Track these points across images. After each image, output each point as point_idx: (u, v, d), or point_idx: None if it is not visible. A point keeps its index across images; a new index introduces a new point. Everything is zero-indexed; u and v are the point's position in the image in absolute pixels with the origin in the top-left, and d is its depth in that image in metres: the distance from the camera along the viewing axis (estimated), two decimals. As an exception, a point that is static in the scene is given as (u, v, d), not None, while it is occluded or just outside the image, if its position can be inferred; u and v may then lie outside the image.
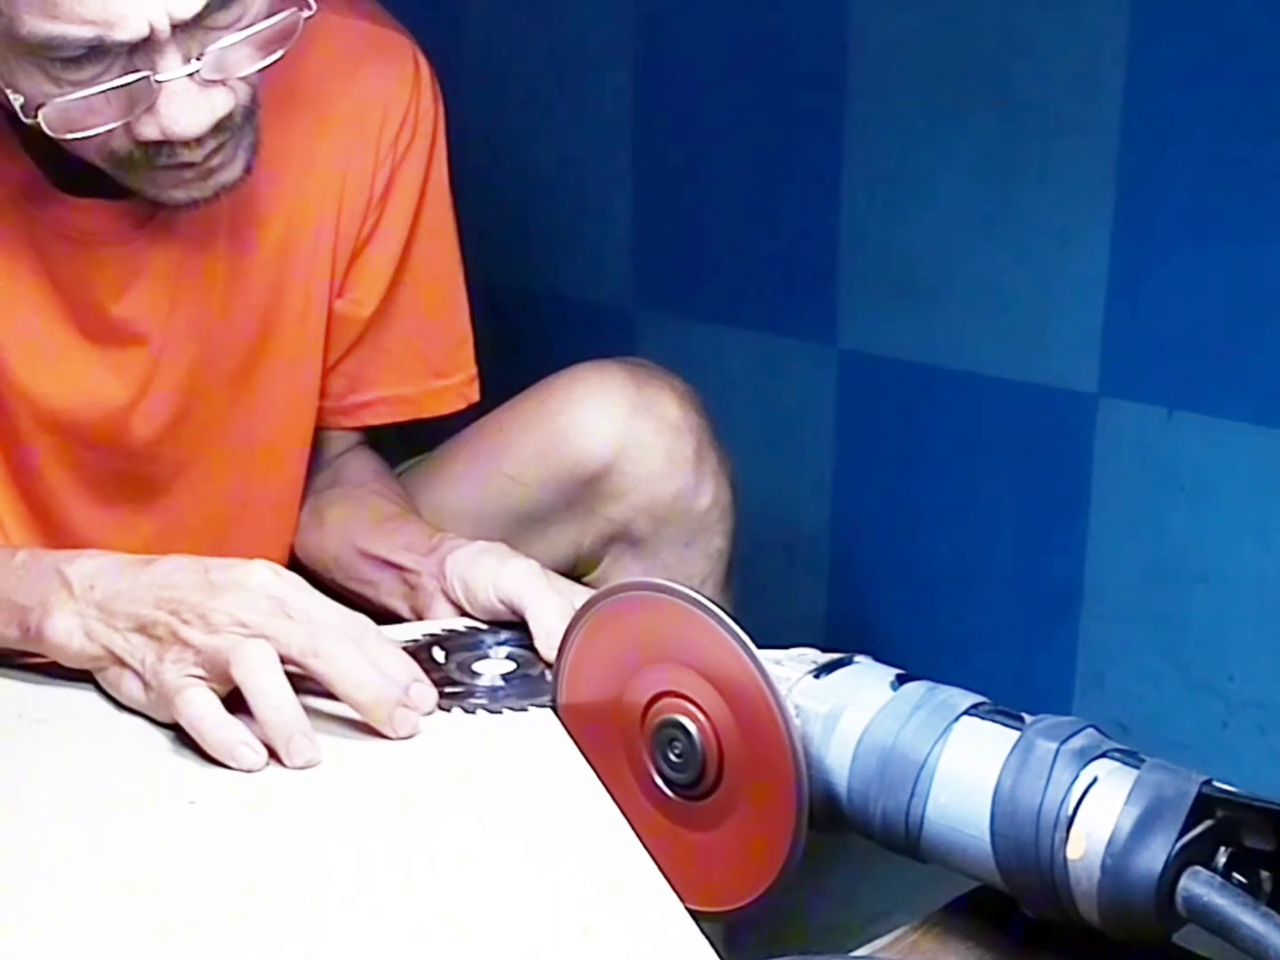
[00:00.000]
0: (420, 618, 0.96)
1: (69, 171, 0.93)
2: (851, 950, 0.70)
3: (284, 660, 0.75)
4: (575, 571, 1.10)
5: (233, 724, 0.75)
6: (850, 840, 0.71)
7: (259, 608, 0.77)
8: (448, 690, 0.82)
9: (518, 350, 1.53)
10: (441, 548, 0.96)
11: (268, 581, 0.79)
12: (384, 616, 0.97)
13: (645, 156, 1.67)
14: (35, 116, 0.83)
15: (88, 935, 0.62)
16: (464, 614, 0.93)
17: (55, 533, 1.03)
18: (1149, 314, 1.34)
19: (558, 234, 1.77)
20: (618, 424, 1.07)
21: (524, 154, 1.78)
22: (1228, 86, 1.26)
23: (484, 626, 0.91)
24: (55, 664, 0.82)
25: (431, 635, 0.90)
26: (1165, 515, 1.37)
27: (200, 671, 0.76)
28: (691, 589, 0.73)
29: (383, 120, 1.07)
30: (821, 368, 1.57)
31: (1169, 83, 1.29)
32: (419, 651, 0.86)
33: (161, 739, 0.77)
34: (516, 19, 1.75)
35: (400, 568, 0.99)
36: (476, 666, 0.86)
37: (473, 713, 0.80)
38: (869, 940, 0.72)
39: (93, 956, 0.61)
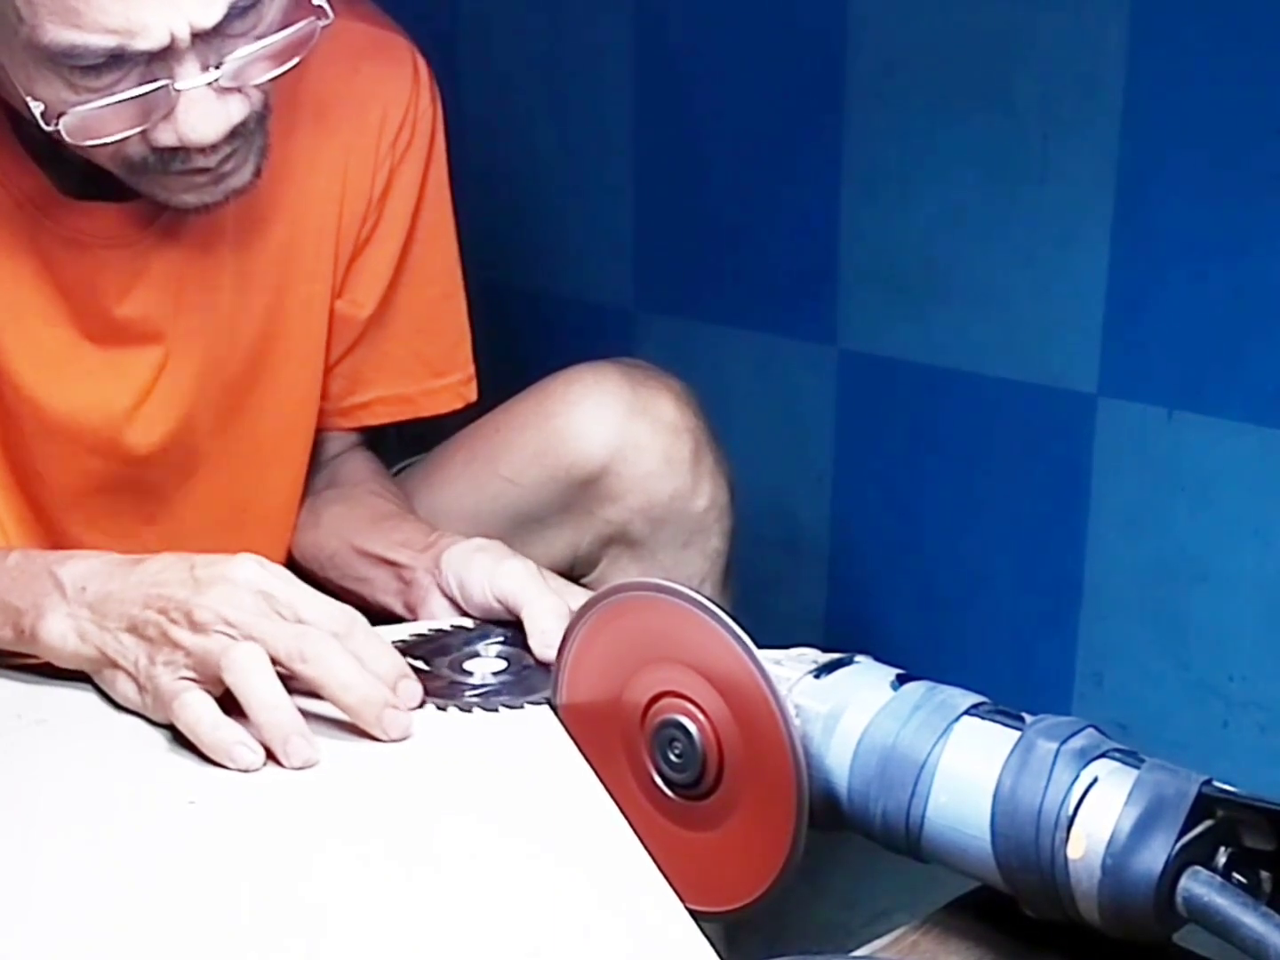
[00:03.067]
0: (414, 613, 0.96)
1: (72, 175, 0.93)
2: (851, 950, 0.70)
3: (272, 661, 0.75)
4: (573, 573, 1.10)
5: (229, 725, 0.74)
6: (850, 840, 0.71)
7: (244, 605, 0.77)
8: (441, 690, 0.82)
9: (517, 350, 1.53)
10: (438, 544, 0.96)
11: (253, 575, 0.78)
12: (378, 614, 0.97)
13: (645, 156, 1.67)
14: (55, 124, 0.83)
15: (88, 935, 0.62)
16: (459, 610, 0.93)
17: (57, 538, 1.03)
18: (1149, 314, 1.34)
19: (558, 234, 1.77)
20: (614, 425, 1.07)
21: (524, 154, 1.78)
22: (1228, 86, 1.26)
23: (471, 626, 0.91)
24: (51, 664, 0.82)
25: (420, 635, 0.89)
26: (1165, 515, 1.37)
27: (192, 674, 0.76)
28: (691, 589, 0.73)
29: (381, 121, 1.07)
30: (821, 368, 1.58)
31: (1169, 83, 1.29)
32: (409, 651, 0.86)
33: (160, 739, 0.77)
34: (516, 19, 1.75)
35: (395, 564, 0.99)
36: (468, 665, 0.86)
37: (469, 711, 0.80)
38: (869, 940, 0.72)
39: (93, 956, 0.60)
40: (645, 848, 0.67)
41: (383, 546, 1.01)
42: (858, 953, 0.70)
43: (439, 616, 0.94)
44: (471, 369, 1.17)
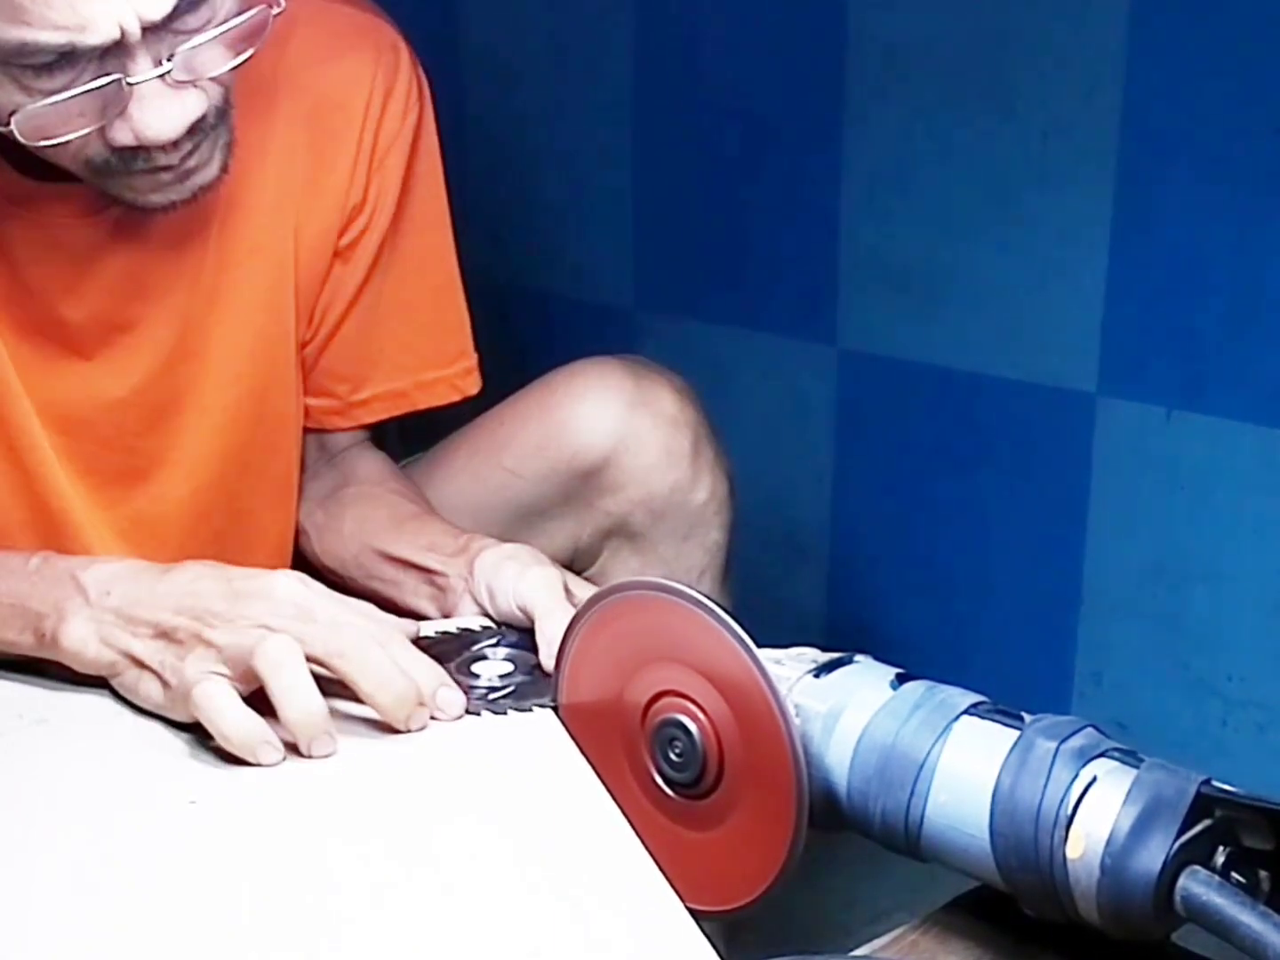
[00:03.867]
0: (448, 617, 0.96)
1: (38, 161, 0.92)
2: (851, 950, 0.70)
3: (308, 660, 0.75)
4: (574, 566, 1.10)
5: (254, 720, 0.74)
6: (850, 840, 0.71)
7: (285, 614, 0.77)
8: None
9: (518, 350, 1.53)
10: (470, 549, 0.96)
11: (293, 591, 0.78)
12: (405, 617, 0.97)
13: (645, 156, 1.67)
14: (7, 125, 0.83)
15: (88, 935, 0.62)
16: (487, 616, 0.93)
17: (59, 538, 1.03)
18: (1148, 314, 1.34)
19: (558, 234, 1.77)
20: (616, 418, 1.07)
21: (524, 153, 1.78)
22: (1227, 86, 1.26)
23: (478, 628, 0.91)
24: (63, 667, 0.82)
25: (427, 637, 0.89)
26: (1164, 515, 1.37)
27: (223, 669, 0.76)
28: (692, 588, 0.73)
29: (364, 108, 1.06)
30: (821, 368, 1.58)
31: (1169, 83, 1.29)
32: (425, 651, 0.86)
33: (162, 738, 0.77)
34: (516, 18, 1.75)
35: (426, 570, 0.99)
36: (475, 668, 0.86)
37: (477, 714, 0.80)
38: (869, 940, 0.72)
39: (93, 957, 0.61)
40: (645, 848, 0.67)
41: (410, 550, 1.01)
42: (857, 952, 0.70)
43: None
44: (471, 361, 1.16)
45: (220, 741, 0.74)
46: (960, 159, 1.42)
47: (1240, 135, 1.26)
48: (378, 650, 0.77)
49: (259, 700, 0.75)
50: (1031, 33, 1.36)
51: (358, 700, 0.77)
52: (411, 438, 1.22)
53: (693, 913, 0.63)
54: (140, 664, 0.78)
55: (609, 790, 0.73)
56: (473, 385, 1.16)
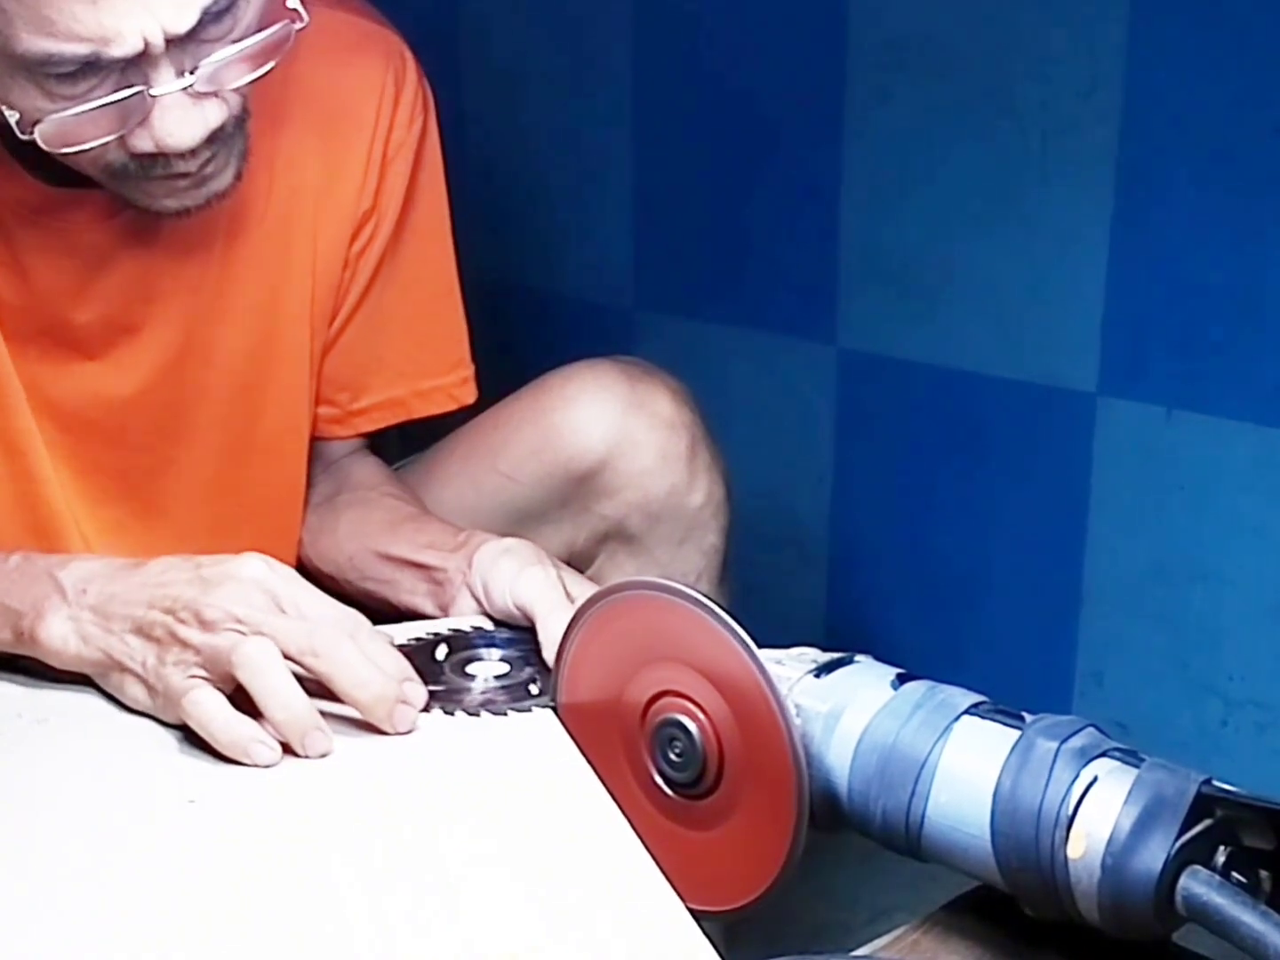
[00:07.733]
0: (446, 612, 0.96)
1: (49, 162, 0.93)
2: (851, 950, 0.70)
3: (285, 657, 0.75)
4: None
5: (244, 722, 0.75)
6: (850, 839, 0.71)
7: (253, 601, 0.77)
8: (446, 695, 0.82)
9: (516, 350, 1.53)
10: (469, 543, 0.96)
11: (259, 574, 0.79)
12: (403, 617, 0.97)
13: (645, 156, 1.67)
14: (31, 132, 0.83)
15: (87, 935, 0.62)
16: (483, 611, 0.93)
17: (56, 538, 1.03)
18: (1148, 313, 1.34)
19: (558, 234, 1.77)
20: (611, 421, 1.07)
21: (524, 153, 1.78)
22: (1228, 86, 1.26)
23: (469, 629, 0.91)
24: (46, 665, 0.82)
25: (417, 639, 0.89)
26: (1164, 515, 1.37)
27: (203, 672, 0.76)
28: (692, 587, 0.73)
29: (375, 115, 1.06)
30: (821, 367, 1.58)
31: (1169, 83, 1.29)
32: (411, 655, 0.86)
33: (161, 738, 0.77)
34: (516, 18, 1.75)
35: (425, 566, 0.99)
36: (470, 669, 0.86)
37: (476, 715, 0.80)
38: (869, 940, 0.72)
39: (92, 957, 0.61)
40: (645, 848, 0.67)
41: (408, 550, 1.01)
42: (858, 952, 0.70)
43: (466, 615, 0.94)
44: (468, 371, 1.17)
45: (214, 745, 0.75)
46: (960, 159, 1.42)
47: (1240, 135, 1.26)
48: (350, 645, 0.77)
49: (248, 700, 0.75)
50: (1031, 33, 1.36)
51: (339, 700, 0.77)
52: (411, 440, 1.22)
53: (693, 913, 0.63)
54: (122, 667, 0.79)
55: (609, 790, 0.73)
56: (469, 395, 1.17)
